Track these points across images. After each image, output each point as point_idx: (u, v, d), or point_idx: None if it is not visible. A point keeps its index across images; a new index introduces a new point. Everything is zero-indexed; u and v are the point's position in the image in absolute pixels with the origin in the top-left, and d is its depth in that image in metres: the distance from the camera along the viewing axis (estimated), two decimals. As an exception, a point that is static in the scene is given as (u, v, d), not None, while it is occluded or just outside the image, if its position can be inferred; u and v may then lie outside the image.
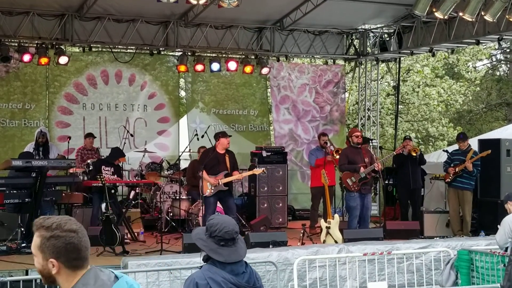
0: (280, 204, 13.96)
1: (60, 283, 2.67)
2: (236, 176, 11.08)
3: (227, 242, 3.73)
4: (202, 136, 13.53)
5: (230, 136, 11.38)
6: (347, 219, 12.62)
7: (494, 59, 29.00)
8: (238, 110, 16.30)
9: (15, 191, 10.18)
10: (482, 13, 11.41)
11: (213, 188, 10.77)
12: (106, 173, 11.51)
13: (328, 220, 10.77)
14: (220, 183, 10.78)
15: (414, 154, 12.84)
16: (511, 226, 7.84)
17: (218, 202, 10.98)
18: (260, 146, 14.63)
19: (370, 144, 15.61)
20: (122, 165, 13.29)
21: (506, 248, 8.32)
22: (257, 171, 11.55)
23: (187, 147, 12.72)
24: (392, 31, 15.83)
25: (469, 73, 25.53)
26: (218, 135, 11.20)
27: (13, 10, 13.14)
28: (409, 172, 12.70)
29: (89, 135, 13.30)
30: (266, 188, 13.87)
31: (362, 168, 11.20)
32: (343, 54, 16.63)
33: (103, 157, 12.33)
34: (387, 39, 16.02)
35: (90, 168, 12.06)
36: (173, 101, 15.80)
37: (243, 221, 12.84)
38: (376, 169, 11.24)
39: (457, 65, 24.96)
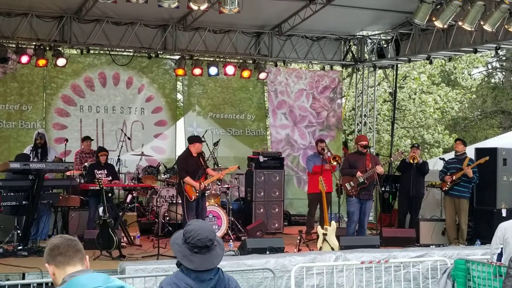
0: (276, 210, 13.96)
1: None
2: (217, 176, 11.61)
3: (200, 250, 3.76)
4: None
5: (204, 141, 11.97)
6: (343, 225, 12.71)
7: (490, 66, 29.09)
8: (234, 114, 16.29)
9: (12, 194, 10.14)
10: (481, 23, 11.42)
11: (198, 192, 10.94)
12: (99, 176, 11.48)
13: (325, 226, 10.78)
14: (203, 186, 11.05)
15: (412, 162, 12.88)
16: (503, 232, 7.78)
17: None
18: (257, 151, 14.62)
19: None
20: (119, 167, 13.29)
21: (499, 257, 8.31)
22: (232, 168, 12.35)
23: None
24: (390, 38, 15.85)
25: (465, 80, 25.61)
26: (193, 140, 11.38)
27: (12, 11, 13.12)
28: (411, 179, 12.72)
29: (87, 138, 13.31)
30: (262, 193, 13.88)
31: (359, 173, 11.33)
32: (340, 60, 16.64)
33: (94, 161, 12.29)
34: (385, 46, 16.06)
35: (87, 171, 12.04)
36: (170, 104, 15.75)
37: (239, 226, 12.85)
38: (378, 171, 11.34)
39: (454, 72, 25.05)
